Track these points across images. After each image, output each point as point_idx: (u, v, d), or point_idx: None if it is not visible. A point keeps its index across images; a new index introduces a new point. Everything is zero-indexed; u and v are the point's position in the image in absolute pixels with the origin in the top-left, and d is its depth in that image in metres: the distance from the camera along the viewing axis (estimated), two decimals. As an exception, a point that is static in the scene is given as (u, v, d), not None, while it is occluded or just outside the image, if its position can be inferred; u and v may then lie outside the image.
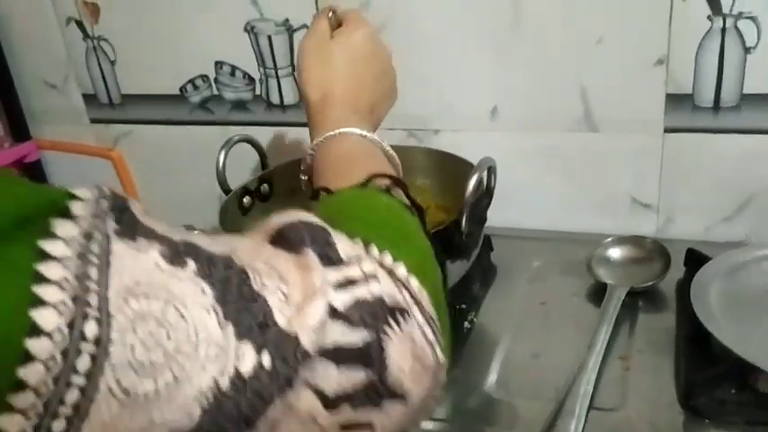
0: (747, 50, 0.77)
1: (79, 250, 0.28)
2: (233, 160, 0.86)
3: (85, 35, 1.06)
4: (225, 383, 0.29)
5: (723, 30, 0.77)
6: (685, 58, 0.79)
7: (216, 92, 1.03)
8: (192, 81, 1.04)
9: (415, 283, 0.36)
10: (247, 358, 0.29)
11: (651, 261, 0.80)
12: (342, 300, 0.33)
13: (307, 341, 0.31)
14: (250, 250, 0.33)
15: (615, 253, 0.82)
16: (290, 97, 0.99)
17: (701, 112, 0.82)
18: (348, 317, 0.33)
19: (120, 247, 0.29)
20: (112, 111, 1.11)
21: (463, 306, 0.78)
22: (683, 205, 0.87)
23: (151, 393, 0.27)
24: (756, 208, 0.84)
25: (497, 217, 0.79)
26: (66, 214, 0.29)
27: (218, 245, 0.33)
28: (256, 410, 0.30)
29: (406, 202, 0.45)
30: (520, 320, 0.76)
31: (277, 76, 0.99)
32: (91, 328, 0.27)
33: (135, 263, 0.29)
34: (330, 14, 0.64)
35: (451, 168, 0.81)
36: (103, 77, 1.08)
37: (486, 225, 0.76)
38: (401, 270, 0.36)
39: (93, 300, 0.27)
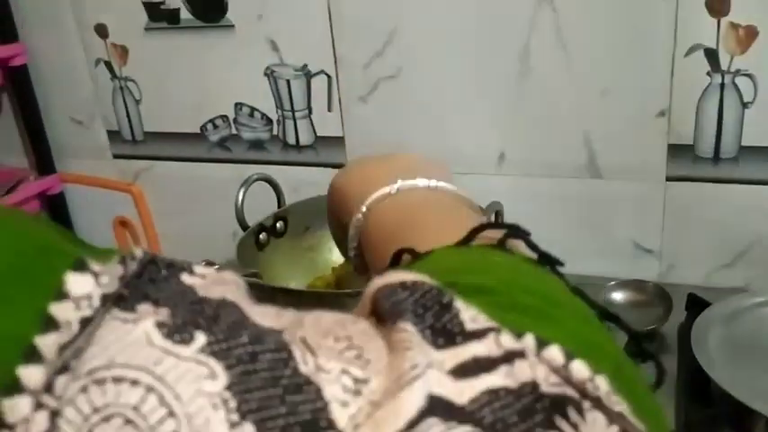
0: (745, 105, 0.81)
1: (66, 336, 0.20)
2: (249, 197, 0.90)
3: (113, 75, 1.11)
4: None
5: (722, 85, 0.81)
6: (686, 111, 0.83)
7: (234, 131, 1.07)
8: (212, 120, 1.08)
9: (582, 369, 0.22)
10: None
11: (653, 305, 0.82)
12: (460, 389, 0.21)
13: None
14: (324, 322, 0.24)
15: (618, 296, 0.84)
16: (305, 138, 1.04)
17: (701, 163, 0.85)
18: (473, 414, 0.20)
19: (111, 322, 0.21)
20: (134, 147, 1.15)
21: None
22: (685, 251, 0.90)
23: None
24: (755, 256, 0.87)
25: (504, 258, 0.81)
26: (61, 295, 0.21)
27: (284, 319, 0.24)
28: None
29: (534, 256, 0.31)
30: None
31: (294, 118, 1.03)
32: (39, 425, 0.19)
33: (118, 337, 0.21)
34: None
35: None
36: (128, 115, 1.13)
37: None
38: (555, 352, 0.22)
39: (58, 386, 0.19)
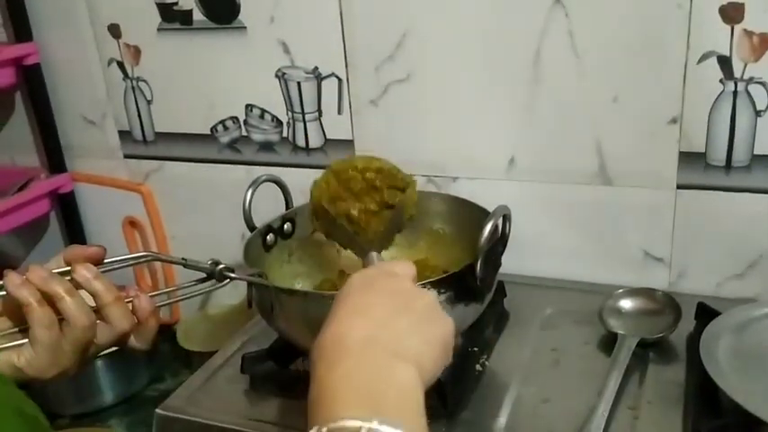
0: (758, 113, 0.80)
1: None
2: (257, 199, 0.90)
3: (125, 75, 1.12)
4: None
5: (735, 93, 0.80)
6: (698, 118, 0.82)
7: (245, 133, 1.08)
8: (222, 122, 1.09)
9: None
10: None
11: (662, 313, 0.81)
12: None
13: None
14: None
15: (627, 304, 0.83)
16: (314, 140, 1.04)
17: (713, 171, 0.84)
18: None
19: None
20: (145, 147, 1.16)
21: (475, 349, 0.80)
22: (695, 260, 0.89)
23: None
24: (767, 266, 0.86)
25: (512, 264, 0.81)
26: None
27: None
28: None
29: None
30: (531, 366, 0.78)
31: (304, 120, 1.03)
32: None
33: None
34: None
35: (468, 215, 0.83)
36: (139, 116, 1.14)
37: (500, 272, 0.78)
38: None
39: None
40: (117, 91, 1.14)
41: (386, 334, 0.45)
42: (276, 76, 1.02)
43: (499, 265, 0.76)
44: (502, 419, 0.70)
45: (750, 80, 0.79)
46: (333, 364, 0.43)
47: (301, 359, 0.79)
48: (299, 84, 1.01)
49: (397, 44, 0.93)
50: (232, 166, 1.10)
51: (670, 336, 0.79)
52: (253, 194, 0.83)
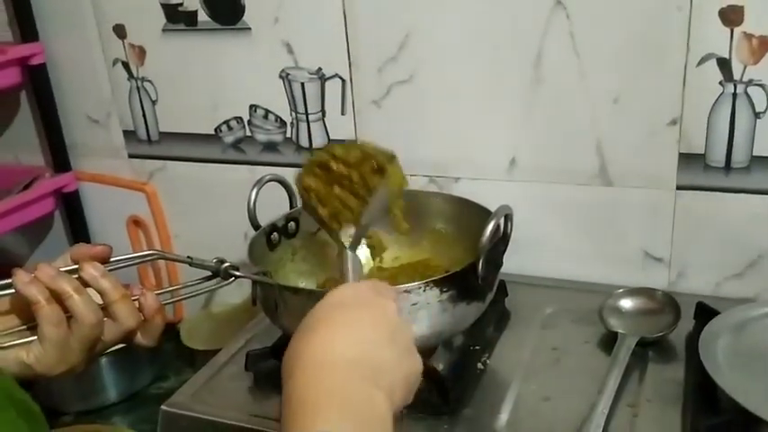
0: (757, 115, 0.81)
1: None
2: (261, 198, 0.90)
3: (130, 76, 1.13)
4: None
5: (734, 95, 0.81)
6: (698, 120, 0.83)
7: (249, 133, 1.09)
8: (227, 122, 1.09)
9: None
10: None
11: (662, 313, 0.82)
12: None
13: None
14: None
15: (627, 303, 0.84)
16: (318, 140, 1.05)
17: (712, 172, 0.85)
18: None
19: None
20: (149, 147, 1.17)
21: (477, 347, 0.80)
22: (695, 261, 0.90)
23: None
24: (766, 266, 0.87)
25: (513, 264, 0.82)
26: None
27: None
28: None
29: None
30: (531, 364, 0.79)
31: (308, 121, 1.04)
32: None
33: None
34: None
35: (470, 215, 0.84)
36: (144, 116, 1.15)
37: (501, 271, 0.79)
38: None
39: None
40: (122, 91, 1.15)
41: (370, 362, 0.45)
42: (280, 76, 1.03)
43: (501, 264, 0.77)
44: (503, 417, 0.71)
45: (749, 82, 0.80)
46: (316, 378, 0.42)
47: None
48: (302, 84, 1.02)
49: (400, 45, 0.94)
50: (236, 165, 1.11)
51: (669, 335, 0.80)
52: (257, 194, 0.83)
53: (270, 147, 1.08)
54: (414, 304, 0.68)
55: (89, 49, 1.14)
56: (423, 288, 0.68)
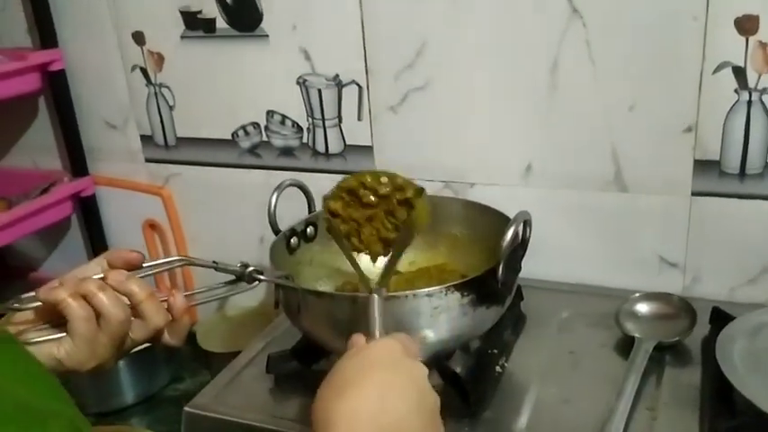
0: (772, 122, 0.82)
1: None
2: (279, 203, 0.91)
3: (148, 82, 1.14)
4: None
5: (749, 103, 0.82)
6: (713, 127, 0.84)
7: (265, 138, 1.10)
8: (243, 127, 1.11)
9: None
10: None
11: (678, 318, 0.83)
12: None
13: None
14: None
15: (643, 308, 0.85)
16: (334, 146, 1.06)
17: (727, 178, 0.86)
18: None
19: None
20: (166, 151, 1.18)
21: (494, 351, 0.81)
22: (709, 266, 0.91)
23: None
24: (780, 271, 0.88)
25: (528, 268, 0.82)
26: None
27: None
28: None
29: None
30: (549, 367, 0.80)
31: (324, 127, 1.05)
32: None
33: None
34: None
35: (487, 220, 0.85)
36: (161, 121, 1.16)
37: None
38: None
39: None
40: (140, 96, 1.16)
41: (396, 430, 0.49)
42: (297, 82, 1.04)
43: (519, 269, 0.78)
44: (523, 419, 0.72)
45: (764, 90, 0.81)
46: None
47: (325, 359, 0.80)
48: (319, 91, 1.03)
49: (417, 53, 0.95)
50: (252, 170, 1.13)
51: (685, 339, 0.81)
52: (278, 198, 0.85)
53: (286, 152, 1.09)
54: (435, 308, 0.69)
55: (108, 55, 1.15)
56: (444, 292, 0.69)
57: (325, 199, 0.74)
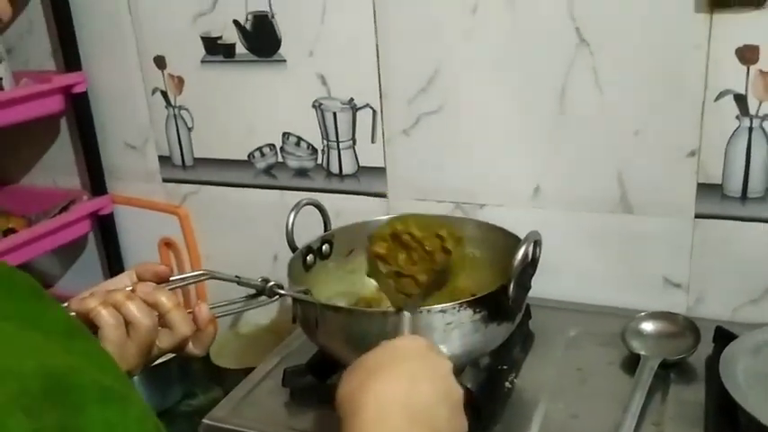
0: (772, 148, 0.85)
1: None
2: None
3: (168, 104, 1.18)
4: None
5: (750, 129, 0.85)
6: (715, 152, 0.87)
7: (280, 159, 1.13)
8: (260, 149, 1.14)
9: None
10: None
11: (682, 336, 0.85)
12: None
13: None
14: None
15: (648, 327, 0.87)
16: (348, 167, 1.09)
17: (729, 201, 0.89)
18: None
19: None
20: (184, 172, 1.22)
21: (504, 367, 0.84)
22: (713, 286, 0.93)
23: None
24: (782, 292, 0.90)
25: (536, 287, 0.85)
26: None
27: None
28: None
29: None
30: (557, 384, 0.82)
31: (338, 148, 1.09)
32: None
33: None
34: None
35: (498, 240, 0.88)
36: (180, 142, 1.20)
37: (527, 293, 0.82)
38: None
39: None
40: (159, 118, 1.20)
41: (429, 417, 0.50)
42: (313, 106, 1.08)
43: (529, 287, 0.80)
44: (533, 433, 0.74)
45: (765, 117, 0.84)
46: (381, 420, 0.48)
47: (339, 374, 0.83)
48: (334, 114, 1.07)
49: (430, 78, 0.99)
50: (267, 190, 1.16)
51: (689, 357, 0.83)
52: (295, 217, 0.88)
53: (301, 172, 1.13)
54: (448, 324, 0.72)
55: (129, 78, 1.19)
56: (457, 308, 0.72)
57: (370, 240, 0.85)
